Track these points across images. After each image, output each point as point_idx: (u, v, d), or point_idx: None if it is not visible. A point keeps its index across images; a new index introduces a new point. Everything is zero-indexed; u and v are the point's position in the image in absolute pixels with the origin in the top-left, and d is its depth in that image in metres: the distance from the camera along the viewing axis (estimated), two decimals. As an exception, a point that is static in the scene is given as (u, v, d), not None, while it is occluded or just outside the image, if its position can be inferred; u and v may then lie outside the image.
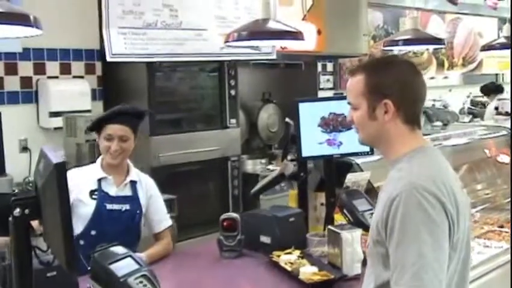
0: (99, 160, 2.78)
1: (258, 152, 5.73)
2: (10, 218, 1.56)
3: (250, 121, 5.67)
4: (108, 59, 3.73)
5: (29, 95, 4.34)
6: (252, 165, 5.38)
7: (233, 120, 5.14)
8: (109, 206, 2.67)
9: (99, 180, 2.71)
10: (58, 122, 4.28)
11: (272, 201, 3.98)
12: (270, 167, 5.42)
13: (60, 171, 1.47)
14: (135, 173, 2.85)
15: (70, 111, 4.28)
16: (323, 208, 2.79)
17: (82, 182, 2.68)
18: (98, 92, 4.66)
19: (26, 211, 1.57)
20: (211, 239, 4.43)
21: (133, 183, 2.80)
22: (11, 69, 4.26)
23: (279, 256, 2.50)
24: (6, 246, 1.80)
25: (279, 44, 4.26)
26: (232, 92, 5.12)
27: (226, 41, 2.84)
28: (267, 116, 5.76)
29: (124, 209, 2.70)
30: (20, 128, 4.30)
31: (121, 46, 3.71)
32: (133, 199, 2.76)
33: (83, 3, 4.27)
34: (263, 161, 5.50)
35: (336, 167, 2.72)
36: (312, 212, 2.82)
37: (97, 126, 2.77)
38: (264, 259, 2.55)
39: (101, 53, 4.65)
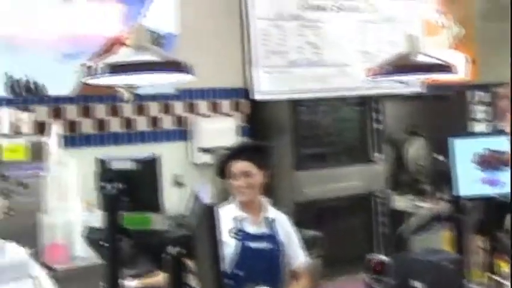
0: (233, 199, 2.82)
1: (405, 187, 5.50)
2: (164, 255, 1.63)
3: (396, 155, 5.48)
4: (254, 97, 3.84)
5: (182, 132, 4.60)
6: (399, 201, 5.18)
7: (378, 155, 5.02)
8: (252, 245, 2.67)
9: (237, 219, 2.73)
10: (208, 158, 4.47)
11: (421, 242, 3.77)
12: (420, 203, 5.17)
13: (211, 212, 1.50)
14: (270, 210, 2.85)
15: (219, 148, 4.45)
16: (481, 253, 2.57)
17: (221, 222, 2.73)
18: (245, 128, 4.81)
19: (180, 249, 1.62)
20: (357, 279, 4.33)
21: (270, 221, 2.79)
22: (166, 109, 4.55)
23: (432, 303, 2.33)
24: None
25: (426, 77, 4.10)
26: (377, 126, 5.01)
27: (369, 76, 2.78)
28: (415, 149, 5.53)
29: (266, 247, 2.69)
30: (173, 163, 4.56)
31: (265, 85, 3.82)
32: (273, 237, 2.74)
33: (231, 45, 4.46)
34: (411, 196, 5.27)
35: (495, 208, 2.51)
36: (470, 257, 2.61)
37: (222, 168, 2.81)
38: (416, 305, 2.39)
39: (248, 92, 4.82)
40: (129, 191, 1.97)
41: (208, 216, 1.49)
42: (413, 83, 4.74)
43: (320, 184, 4.65)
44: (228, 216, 2.75)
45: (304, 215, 4.55)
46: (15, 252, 2.13)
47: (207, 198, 1.53)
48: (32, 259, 2.08)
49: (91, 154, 4.12)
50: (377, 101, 4.99)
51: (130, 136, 4.41)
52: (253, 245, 2.65)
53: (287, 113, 4.66)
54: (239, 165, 2.72)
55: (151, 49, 2.17)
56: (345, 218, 4.91)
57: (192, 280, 1.69)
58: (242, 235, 2.68)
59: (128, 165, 2.00)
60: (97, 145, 4.28)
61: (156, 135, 4.52)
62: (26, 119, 3.45)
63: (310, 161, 4.78)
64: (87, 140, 4.24)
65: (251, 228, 2.71)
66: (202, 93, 4.70)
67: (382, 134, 5.05)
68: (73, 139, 4.15)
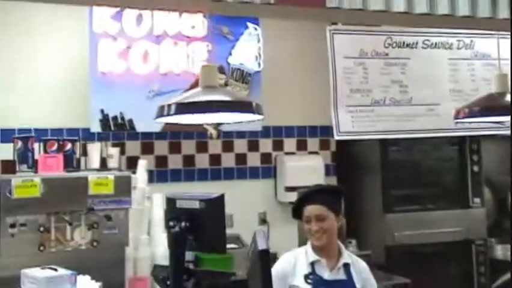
0: (309, 243, 2.74)
1: (505, 235, 5.10)
2: None
3: (498, 199, 5.11)
4: (336, 137, 3.75)
5: (268, 170, 4.58)
6: (502, 251, 4.78)
7: (477, 199, 4.70)
8: None
9: (312, 264, 2.65)
10: (294, 196, 4.40)
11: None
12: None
13: (264, 258, 1.44)
14: (347, 255, 2.73)
15: (304, 187, 4.37)
16: None
17: (296, 266, 2.66)
18: (331, 167, 4.71)
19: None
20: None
21: (347, 266, 2.68)
22: (253, 146, 4.57)
23: None
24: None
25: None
26: (475, 168, 4.71)
27: (456, 118, 2.61)
28: (519, 194, 5.14)
29: None
30: (259, 201, 4.54)
31: (348, 124, 3.72)
32: (348, 283, 2.63)
33: (317, 83, 4.42)
34: (515, 245, 4.86)
35: None
36: None
37: (297, 211, 2.74)
38: None
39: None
40: (194, 229, 1.96)
41: (261, 261, 1.43)
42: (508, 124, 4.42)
43: (412, 228, 4.41)
44: (304, 260, 2.69)
45: (395, 260, 4.33)
46: (86, 285, 2.17)
47: (262, 242, 1.48)
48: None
49: (177, 189, 4.26)
50: (474, 141, 4.70)
51: (217, 172, 4.46)
52: None
53: (376, 152, 4.50)
54: (312, 209, 2.67)
55: (220, 89, 2.18)
56: (438, 265, 4.61)
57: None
58: (315, 280, 2.59)
59: (193, 204, 1.99)
60: (184, 180, 4.36)
61: (242, 172, 4.54)
62: (114, 154, 3.59)
63: (401, 203, 4.55)
64: (174, 175, 4.34)
65: (326, 273, 2.62)
66: (290, 131, 4.68)
67: (480, 176, 4.73)
68: (161, 174, 4.26)
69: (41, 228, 3.14)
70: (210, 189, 4.30)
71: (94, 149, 3.54)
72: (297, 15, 3.03)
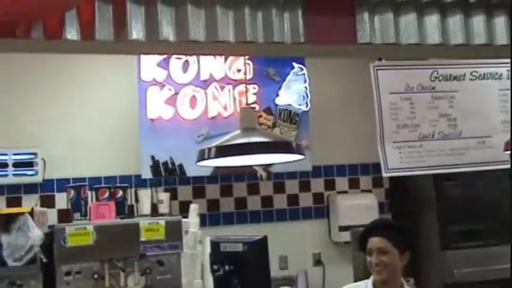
0: (371, 277, 2.67)
1: None
2: None
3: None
4: (384, 174, 3.67)
5: (320, 210, 4.52)
6: None
7: (540, 232, 4.46)
8: None
9: None
10: (348, 236, 4.31)
11: None
12: None
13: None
14: None
15: (358, 226, 4.28)
16: None
17: None
18: (385, 204, 4.60)
19: None
20: None
21: None
22: (304, 186, 4.53)
23: None
24: None
25: None
26: (537, 200, 4.48)
27: (506, 149, 2.51)
28: None
29: None
30: (313, 241, 4.47)
31: (396, 160, 3.63)
32: None
33: (366, 119, 4.37)
34: None
35: None
36: None
37: (362, 243, 2.69)
38: None
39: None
40: (238, 272, 1.95)
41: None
42: None
43: (472, 265, 4.21)
44: None
45: (456, 300, 4.15)
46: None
47: (302, 284, 1.44)
48: None
49: (230, 232, 4.26)
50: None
51: (269, 214, 4.44)
52: None
53: (431, 187, 4.36)
54: (374, 241, 2.60)
55: (259, 130, 2.19)
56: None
57: None
58: None
59: (236, 247, 1.98)
60: (237, 223, 4.36)
61: (295, 212, 4.50)
62: (165, 199, 3.64)
63: (459, 239, 4.37)
64: (227, 218, 4.34)
65: None
66: (342, 169, 4.62)
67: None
68: (213, 217, 4.27)
69: (95, 276, 3.19)
70: (262, 231, 4.29)
71: (145, 195, 3.60)
72: (329, 53, 3.05)
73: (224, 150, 2.05)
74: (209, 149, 2.13)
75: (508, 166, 4.01)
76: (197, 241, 3.76)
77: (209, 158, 2.15)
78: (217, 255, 2.01)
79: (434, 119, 3.60)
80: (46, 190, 3.94)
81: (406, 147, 3.60)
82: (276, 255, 4.34)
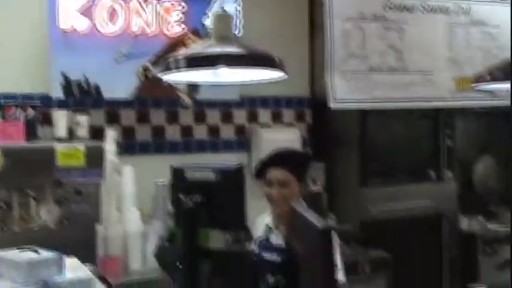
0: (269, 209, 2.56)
1: (473, 208, 5.12)
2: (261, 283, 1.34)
3: (465, 174, 5.12)
4: (332, 105, 3.54)
5: (242, 142, 4.34)
6: (468, 224, 4.80)
7: (449, 173, 4.67)
8: (265, 255, 2.33)
9: (269, 229, 2.49)
10: (269, 170, 4.19)
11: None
12: (491, 226, 4.80)
13: (327, 237, 1.21)
14: None
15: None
16: None
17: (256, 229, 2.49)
18: (308, 140, 4.52)
19: (281, 280, 1.33)
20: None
21: None
22: (227, 118, 4.30)
23: None
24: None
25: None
26: (449, 143, 4.67)
27: (476, 82, 2.45)
28: (485, 168, 5.16)
29: (276, 260, 2.38)
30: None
31: (344, 91, 3.50)
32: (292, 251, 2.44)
33: (294, 54, 4.21)
34: (481, 219, 4.89)
35: None
36: None
37: (260, 172, 2.54)
38: None
39: (311, 101, 4.55)
40: (209, 205, 1.70)
41: (323, 241, 1.19)
42: (503, 95, 4.35)
43: (387, 202, 4.33)
44: (261, 223, 2.57)
45: (370, 234, 4.24)
46: (76, 269, 1.88)
47: (316, 220, 1.24)
48: (94, 276, 1.82)
49: (146, 162, 3.95)
50: (449, 115, 4.65)
51: (188, 144, 4.17)
52: (266, 255, 2.27)
53: (354, 126, 4.36)
54: (275, 173, 2.49)
55: (236, 41, 1.89)
56: (412, 238, 4.56)
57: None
58: (263, 244, 2.36)
59: (208, 176, 1.73)
60: (153, 153, 4.05)
61: (216, 144, 4.27)
62: (83, 123, 3.24)
63: (377, 178, 4.46)
64: (143, 147, 4.02)
65: (277, 240, 2.38)
66: (265, 102, 4.44)
67: (453, 150, 4.71)
68: (128, 146, 3.93)
69: (2, 205, 2.77)
70: (180, 162, 4.05)
71: (60, 117, 3.17)
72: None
73: (197, 61, 1.73)
74: (177, 59, 1.81)
75: (451, 104, 4.06)
76: (115, 170, 3.43)
77: (177, 68, 1.82)
78: (183, 184, 1.74)
79: (383, 51, 3.48)
80: None
81: (355, 78, 3.47)
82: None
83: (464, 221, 4.80)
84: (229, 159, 4.28)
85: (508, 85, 2.27)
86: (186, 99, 3.95)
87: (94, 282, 1.81)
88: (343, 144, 4.43)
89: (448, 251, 4.62)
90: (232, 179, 1.70)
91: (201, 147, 4.22)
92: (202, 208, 1.69)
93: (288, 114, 4.50)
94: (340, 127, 4.47)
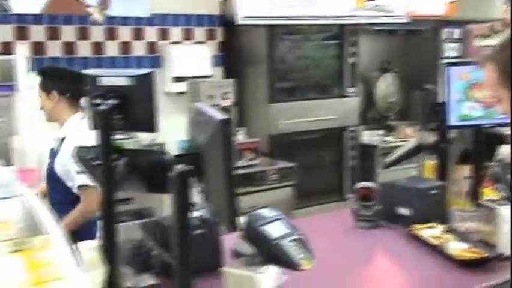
0: None
1: (373, 123, 5.55)
2: (170, 175, 1.55)
3: (366, 91, 5.48)
4: (238, 21, 3.68)
5: (154, 60, 4.42)
6: (368, 136, 5.22)
7: (352, 89, 5.00)
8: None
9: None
10: (181, 87, 4.34)
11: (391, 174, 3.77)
12: (388, 138, 5.24)
13: (226, 127, 1.42)
14: (65, 131, 2.78)
15: (192, 77, 4.33)
16: (465, 182, 2.60)
17: None
18: (218, 58, 4.66)
19: (187, 167, 1.54)
20: (331, 208, 4.39)
21: (60, 139, 2.76)
22: (138, 35, 4.35)
23: (419, 230, 2.36)
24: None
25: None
26: (352, 60, 4.97)
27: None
28: (385, 85, 5.55)
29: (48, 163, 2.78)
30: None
31: (247, 9, 3.63)
32: (54, 154, 2.76)
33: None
34: (380, 132, 5.32)
35: (485, 139, 2.51)
36: (453, 186, 2.63)
37: None
38: (403, 232, 2.42)
39: (222, 19, 4.66)
40: (122, 108, 1.86)
41: (221, 131, 1.40)
42: (398, 14, 4.67)
43: (294, 117, 4.61)
44: None
45: (279, 147, 4.54)
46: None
47: (218, 114, 1.45)
48: (16, 178, 1.95)
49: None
50: (354, 34, 4.93)
51: (100, 61, 4.21)
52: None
53: (263, 44, 4.54)
54: None
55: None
56: (318, 151, 4.93)
57: (199, 199, 1.62)
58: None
59: (121, 81, 1.87)
60: (65, 69, 4.06)
61: (127, 61, 4.33)
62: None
63: (284, 94, 4.72)
64: (54, 64, 4.02)
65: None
66: (176, 19, 4.51)
67: (356, 67, 5.02)
68: (39, 61, 3.92)
69: None
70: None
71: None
72: None
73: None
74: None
75: (351, 22, 4.27)
76: (27, 84, 3.45)
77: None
78: (96, 89, 1.88)
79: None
80: None
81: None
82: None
83: (364, 134, 5.19)
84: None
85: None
86: (96, 16, 3.95)
87: (16, 182, 1.93)
88: (253, 62, 4.62)
89: (349, 161, 5.02)
90: (143, 83, 1.85)
91: (112, 63, 4.27)
92: (116, 111, 1.84)
93: (199, 32, 4.60)
94: (250, 45, 4.64)
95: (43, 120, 3.60)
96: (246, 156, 4.15)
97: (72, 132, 2.71)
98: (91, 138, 1.85)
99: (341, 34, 4.86)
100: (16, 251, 1.89)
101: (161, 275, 1.98)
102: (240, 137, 4.28)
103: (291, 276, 1.71)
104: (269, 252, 1.60)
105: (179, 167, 1.53)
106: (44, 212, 1.80)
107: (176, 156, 1.60)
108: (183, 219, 1.54)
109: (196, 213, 1.90)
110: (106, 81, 1.89)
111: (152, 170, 1.83)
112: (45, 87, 2.76)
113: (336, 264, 2.17)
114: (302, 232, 1.71)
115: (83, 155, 1.94)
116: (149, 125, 1.88)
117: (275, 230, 1.67)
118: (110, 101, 1.84)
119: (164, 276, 1.96)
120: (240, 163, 4.07)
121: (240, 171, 4.00)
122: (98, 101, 1.86)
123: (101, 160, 1.84)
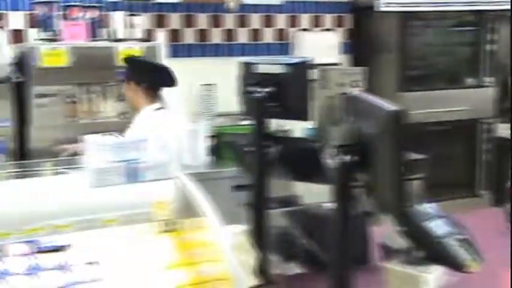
0: None
1: (508, 114, 5.20)
2: (331, 165, 1.52)
3: (502, 80, 5.16)
4: (379, 8, 3.60)
5: (284, 46, 4.43)
6: (504, 129, 4.90)
7: (488, 79, 4.72)
8: None
9: None
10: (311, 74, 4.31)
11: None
12: (525, 132, 4.88)
13: (398, 118, 1.37)
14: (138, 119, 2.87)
15: (321, 64, 4.29)
16: None
17: None
18: (346, 45, 4.59)
19: (351, 158, 1.51)
20: (462, 204, 4.20)
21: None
22: (268, 22, 4.38)
23: None
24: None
25: None
26: (490, 48, 4.69)
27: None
28: (524, 74, 5.18)
29: None
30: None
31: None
32: None
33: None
34: (515, 124, 4.97)
35: None
36: None
37: None
38: None
39: (352, 5, 4.57)
40: (277, 96, 1.86)
41: (394, 122, 1.36)
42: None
43: (424, 107, 4.43)
44: None
45: (409, 138, 4.38)
46: (155, 151, 2.08)
47: (388, 105, 1.40)
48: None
49: (191, 64, 4.11)
50: (493, 20, 4.64)
51: (230, 48, 4.29)
52: None
53: (394, 31, 4.40)
54: None
55: None
56: (448, 143, 4.71)
57: (362, 193, 1.58)
58: None
59: (277, 69, 1.88)
60: (198, 56, 4.19)
61: (257, 48, 4.38)
62: (140, 24, 3.37)
63: (415, 83, 4.55)
64: (188, 50, 4.16)
65: None
66: (305, 6, 4.48)
67: (495, 56, 4.72)
68: (175, 48, 4.06)
69: (71, 99, 2.99)
70: (225, 65, 4.19)
71: (119, 18, 3.30)
72: None
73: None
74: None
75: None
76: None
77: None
78: (252, 77, 1.90)
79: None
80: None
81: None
82: (235, 91, 4.29)
83: (500, 126, 4.89)
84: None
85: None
86: (231, 4, 4.02)
87: (170, 165, 2.00)
88: (382, 50, 4.49)
89: (483, 155, 4.76)
90: (299, 71, 1.85)
91: (242, 50, 4.33)
92: (270, 98, 1.85)
93: (328, 18, 4.55)
94: (380, 32, 4.51)
95: (178, 107, 3.75)
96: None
97: (142, 122, 2.81)
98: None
99: (479, 20, 4.59)
100: (167, 231, 1.98)
101: (306, 264, 1.98)
102: (368, 126, 4.18)
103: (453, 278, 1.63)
104: (432, 250, 1.54)
105: (344, 157, 1.50)
106: (198, 194, 1.85)
107: (339, 146, 1.57)
108: (345, 212, 1.52)
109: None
110: (261, 68, 1.91)
111: (304, 158, 1.83)
112: (127, 77, 2.86)
113: (490, 268, 2.05)
114: (468, 232, 1.62)
115: (236, 141, 1.98)
116: (302, 113, 1.87)
117: (439, 227, 1.60)
118: (266, 89, 1.86)
119: (309, 266, 1.96)
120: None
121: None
122: (253, 88, 1.88)
123: (255, 146, 1.86)
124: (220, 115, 3.98)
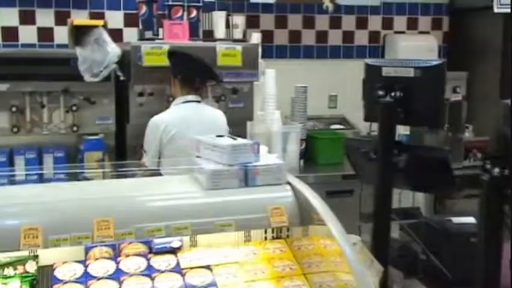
0: None
1: None
2: (484, 177, 1.40)
3: None
4: (495, 10, 3.42)
5: (376, 49, 4.29)
6: None
7: None
8: None
9: None
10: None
11: None
12: None
13: None
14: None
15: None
16: None
17: None
18: (442, 48, 4.39)
19: (503, 170, 1.38)
20: None
21: None
22: (361, 24, 4.25)
23: None
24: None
25: None
26: None
27: None
28: None
29: None
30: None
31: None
32: None
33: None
34: None
35: None
36: None
37: None
38: None
39: (449, 7, 4.38)
40: (406, 100, 1.75)
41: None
42: None
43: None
44: None
45: (504, 149, 4.14)
46: (266, 156, 2.01)
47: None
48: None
49: (283, 66, 4.03)
50: None
51: (322, 50, 4.19)
52: None
53: (497, 33, 4.15)
54: None
55: None
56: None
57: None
58: None
59: (407, 72, 1.77)
60: (289, 57, 4.12)
61: (348, 50, 4.26)
62: (240, 24, 3.33)
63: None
64: (280, 51, 4.09)
65: None
66: (401, 8, 4.32)
67: None
68: (268, 49, 4.00)
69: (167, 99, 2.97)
70: (314, 67, 4.11)
71: (220, 18, 3.27)
72: None
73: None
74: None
75: None
76: (261, 72, 3.54)
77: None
78: (379, 80, 1.79)
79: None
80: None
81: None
82: (325, 94, 4.20)
83: None
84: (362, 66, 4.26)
85: None
86: (328, 5, 3.93)
87: (282, 167, 1.91)
88: (483, 54, 4.27)
89: None
90: (432, 75, 1.73)
91: (334, 52, 4.22)
92: (399, 104, 1.74)
93: (424, 21, 4.37)
94: (480, 35, 4.29)
95: (271, 108, 3.69)
96: (473, 155, 3.84)
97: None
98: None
99: None
100: (283, 237, 1.90)
101: (428, 281, 1.86)
102: (467, 134, 3.98)
103: None
104: None
105: (495, 170, 1.38)
106: (315, 200, 1.75)
107: (486, 157, 1.45)
108: (494, 230, 1.39)
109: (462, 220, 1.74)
110: (390, 71, 1.81)
111: (433, 169, 1.71)
112: (170, 70, 2.83)
113: None
114: None
115: (352, 145, 1.88)
116: (434, 119, 1.76)
117: None
118: (395, 93, 1.75)
119: (432, 283, 1.83)
120: (465, 163, 3.78)
121: (467, 172, 3.72)
122: (381, 92, 1.78)
123: (381, 153, 1.76)
124: (310, 118, 3.89)
